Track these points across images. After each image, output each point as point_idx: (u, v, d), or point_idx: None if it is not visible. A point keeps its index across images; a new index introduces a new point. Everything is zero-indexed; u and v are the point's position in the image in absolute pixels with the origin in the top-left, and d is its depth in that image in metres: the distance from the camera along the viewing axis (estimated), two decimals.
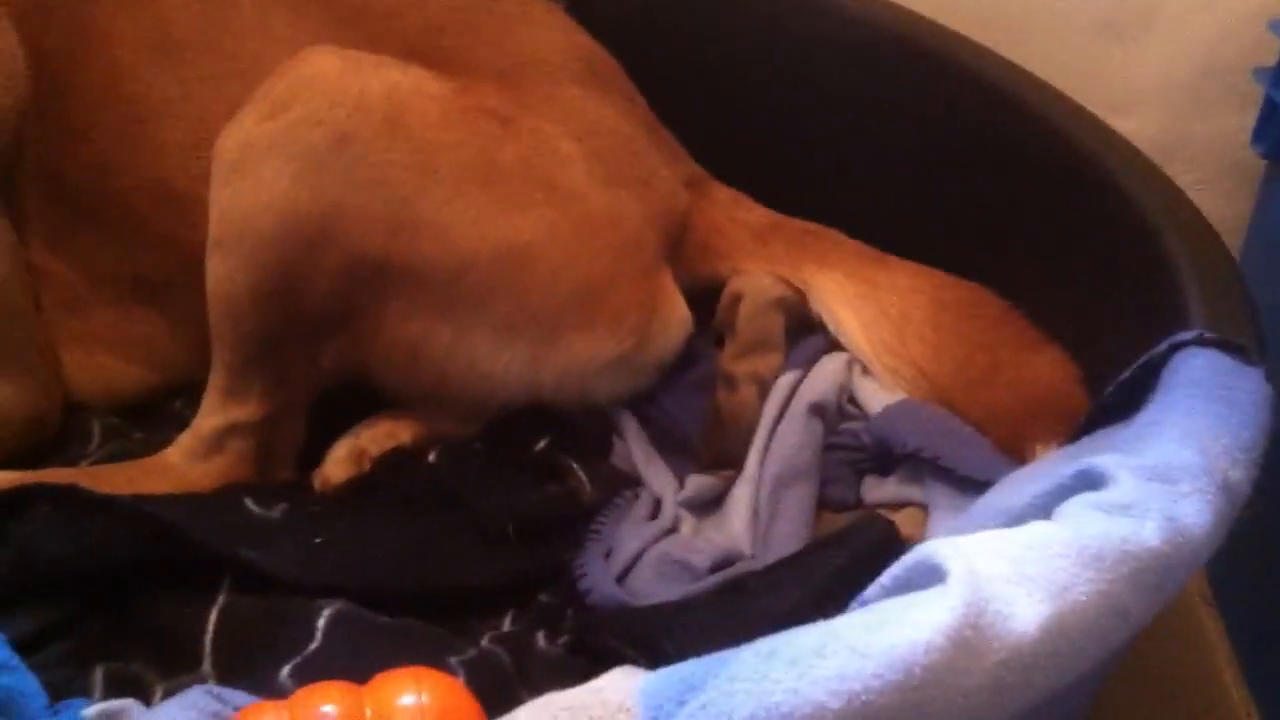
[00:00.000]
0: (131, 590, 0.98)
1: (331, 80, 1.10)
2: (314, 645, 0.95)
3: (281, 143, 1.08)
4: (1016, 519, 0.73)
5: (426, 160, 1.11)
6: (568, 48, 1.32)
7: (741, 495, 1.14)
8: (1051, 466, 0.80)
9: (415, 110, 1.12)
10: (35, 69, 1.22)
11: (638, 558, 1.09)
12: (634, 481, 1.20)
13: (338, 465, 1.18)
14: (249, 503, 1.06)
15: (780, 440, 1.18)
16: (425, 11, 1.27)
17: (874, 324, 1.22)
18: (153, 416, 1.29)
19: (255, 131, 1.10)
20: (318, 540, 1.02)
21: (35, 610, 0.94)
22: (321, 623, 0.96)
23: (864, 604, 0.65)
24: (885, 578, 0.66)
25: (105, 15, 1.24)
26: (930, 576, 0.63)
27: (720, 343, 1.30)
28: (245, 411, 1.15)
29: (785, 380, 1.23)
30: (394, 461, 1.19)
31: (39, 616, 0.94)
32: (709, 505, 1.17)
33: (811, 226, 1.34)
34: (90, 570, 0.96)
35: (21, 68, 1.22)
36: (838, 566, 0.91)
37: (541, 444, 1.21)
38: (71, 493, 0.98)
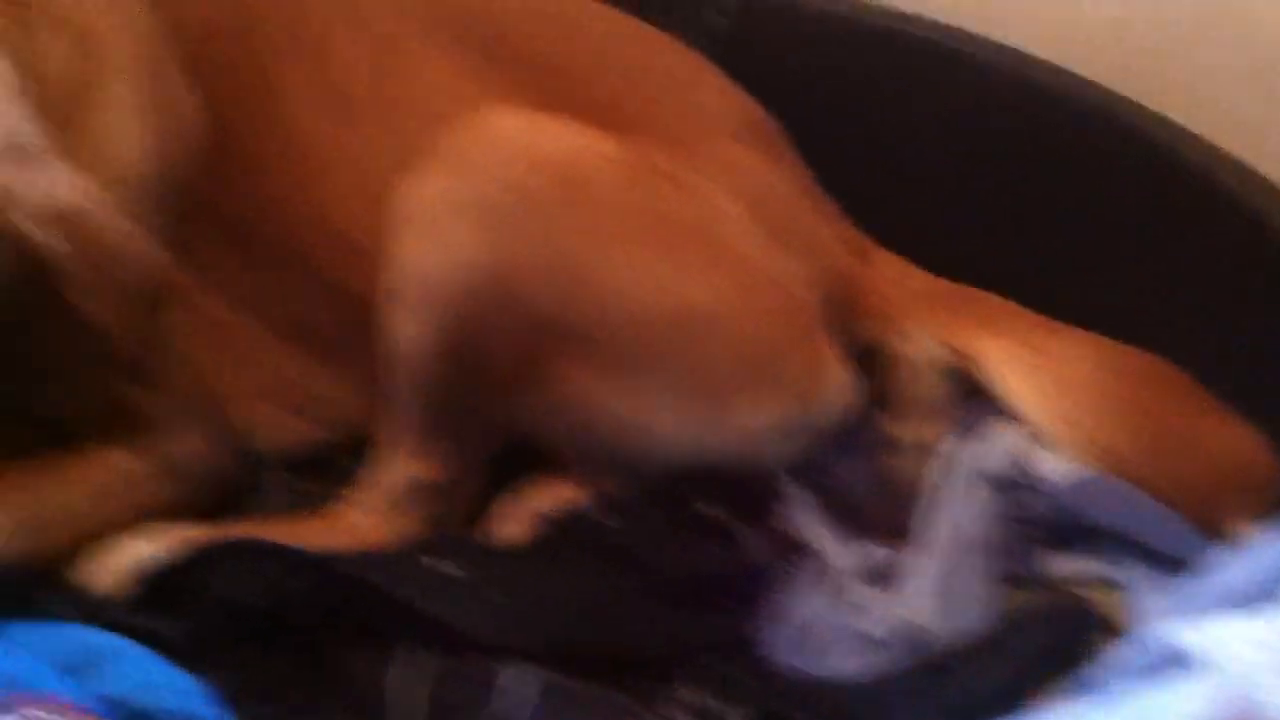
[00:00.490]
0: (321, 644, 0.99)
1: (511, 140, 1.12)
2: (498, 705, 0.96)
3: (463, 201, 1.10)
4: (1244, 601, 0.72)
5: (602, 222, 1.12)
6: (730, 108, 1.33)
7: (917, 566, 1.13)
8: (1272, 545, 0.78)
9: (592, 172, 1.13)
10: (208, 118, 1.26)
11: (812, 626, 1.09)
12: (800, 546, 1.20)
13: (508, 523, 1.19)
14: (427, 560, 1.07)
15: (952, 510, 1.17)
16: (591, 70, 1.29)
17: (1049, 393, 1.21)
18: (320, 470, 1.31)
19: (436, 189, 1.12)
20: (499, 599, 1.03)
21: (236, 664, 0.96)
22: (507, 683, 0.97)
23: (1104, 692, 0.64)
24: (1123, 663, 0.65)
25: (277, 66, 1.27)
26: (1179, 664, 0.62)
27: (883, 408, 1.29)
28: (424, 469, 1.16)
29: (953, 448, 1.22)
30: (563, 520, 1.20)
31: (239, 671, 0.96)
32: (879, 574, 1.16)
33: (976, 292, 1.33)
34: (284, 624, 0.98)
35: (194, 117, 1.26)
36: (1040, 647, 0.90)
37: (704, 505, 1.21)
38: (265, 547, 1.00)
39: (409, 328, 1.12)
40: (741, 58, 1.45)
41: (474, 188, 1.11)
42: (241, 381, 1.27)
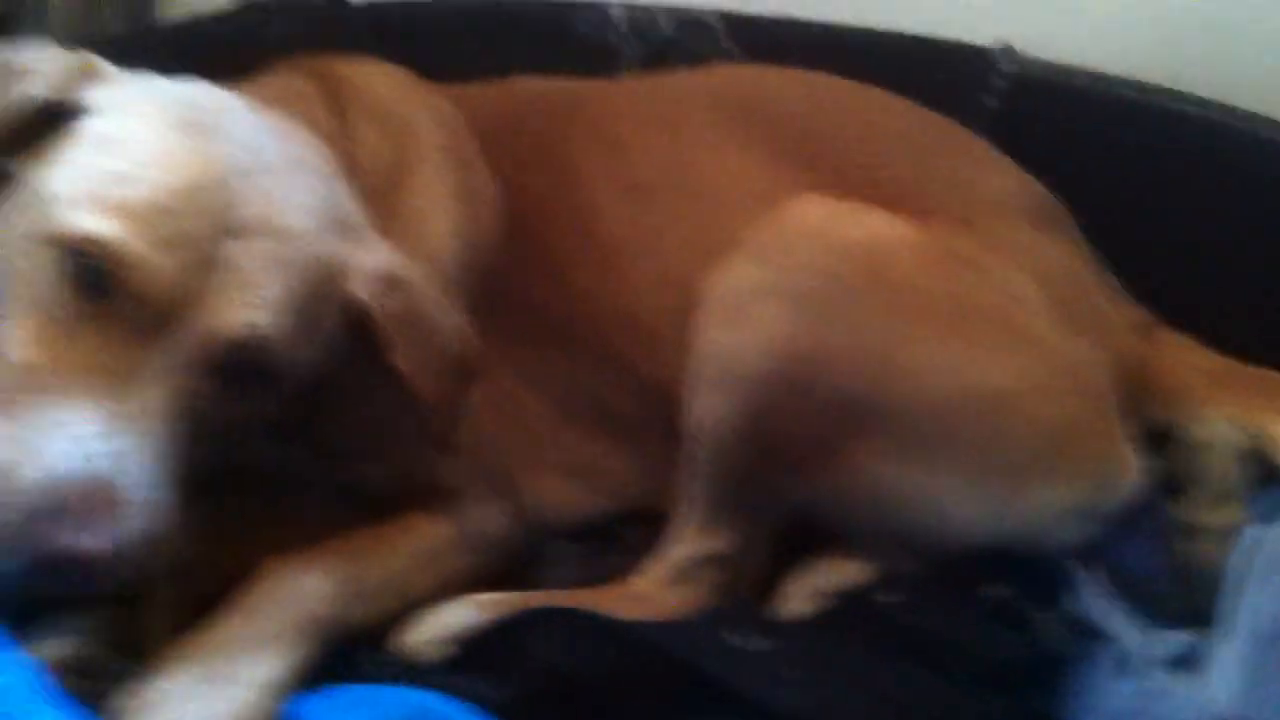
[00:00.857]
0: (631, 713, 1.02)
1: (817, 228, 1.16)
2: None
3: (773, 288, 1.14)
4: None
5: (907, 305, 1.14)
6: (1016, 189, 1.34)
7: (1222, 653, 1.10)
8: None
9: (895, 257, 1.16)
10: (508, 207, 1.32)
11: (1119, 714, 1.06)
12: (1095, 631, 1.17)
13: (796, 600, 1.21)
14: (727, 633, 1.09)
15: (1257, 596, 1.13)
16: (878, 153, 1.32)
17: None
18: (603, 541, 1.35)
19: (746, 277, 1.16)
20: (801, 676, 1.04)
21: None
22: None
23: None
24: None
25: (577, 156, 1.35)
26: None
27: (1176, 491, 1.26)
28: (717, 543, 1.19)
29: (1253, 533, 1.19)
30: (850, 599, 1.20)
31: None
32: (1182, 661, 1.13)
33: (1269, 373, 1.29)
34: (599, 692, 1.01)
35: (495, 205, 1.33)
36: None
37: (994, 588, 1.20)
38: (578, 615, 1.04)
39: (713, 408, 1.15)
40: (1014, 136, 1.45)
41: (782, 274, 1.14)
42: (531, 455, 1.31)
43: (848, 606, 1.20)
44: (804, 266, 1.14)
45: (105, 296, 0.91)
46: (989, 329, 1.16)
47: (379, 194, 1.18)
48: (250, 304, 0.93)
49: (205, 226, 0.93)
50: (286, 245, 0.96)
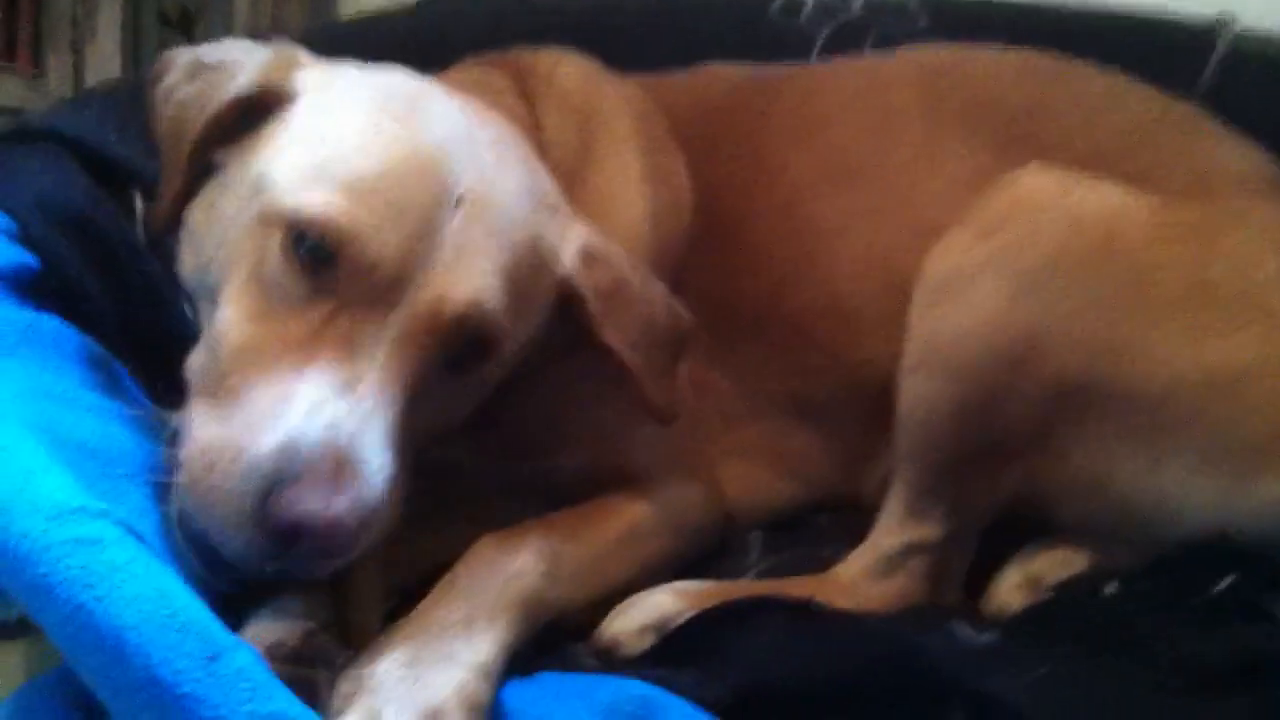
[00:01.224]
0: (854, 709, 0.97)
1: (1044, 201, 1.10)
2: None
3: (994, 264, 1.09)
4: None
5: (1138, 280, 1.08)
6: (1254, 165, 1.27)
7: None
8: None
9: (1127, 230, 1.09)
10: (701, 198, 1.29)
11: None
12: None
13: (1013, 592, 1.15)
14: (957, 627, 1.04)
15: None
16: (1097, 132, 1.25)
17: None
18: (798, 531, 1.31)
19: (966, 254, 1.10)
20: (1042, 672, 0.98)
21: None
22: None
23: None
24: None
25: (774, 139, 1.30)
26: None
27: None
28: (925, 531, 1.14)
29: None
30: (1071, 590, 1.14)
31: None
32: None
33: None
34: (826, 692, 0.96)
35: (687, 191, 1.30)
36: None
37: (1226, 581, 1.13)
38: (805, 609, 0.99)
39: (927, 389, 1.11)
40: (1229, 111, 1.37)
41: (1006, 249, 1.09)
42: (724, 441, 1.28)
43: (1066, 599, 1.13)
44: (1030, 241, 1.08)
45: (329, 273, 0.90)
46: (1225, 303, 1.09)
47: (566, 180, 1.17)
48: (474, 276, 0.93)
49: (429, 198, 0.93)
50: (502, 219, 0.96)
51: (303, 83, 1.02)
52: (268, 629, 0.88)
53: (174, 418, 0.93)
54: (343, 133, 0.96)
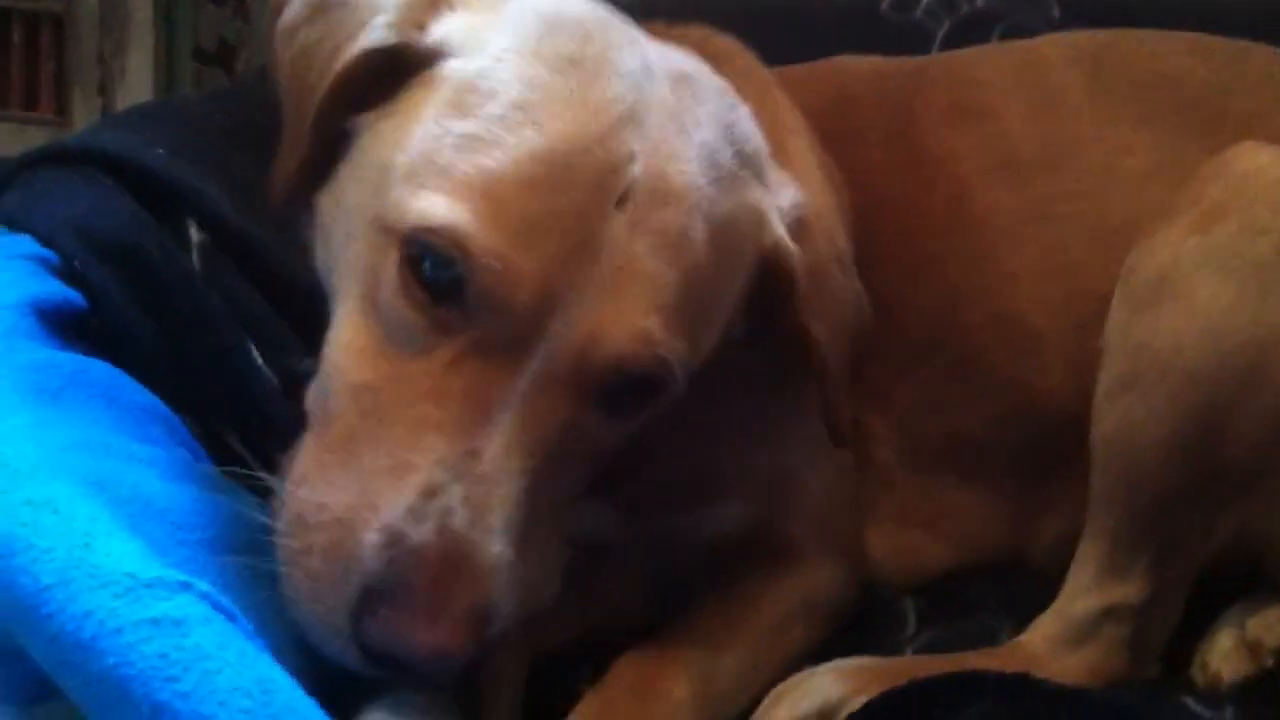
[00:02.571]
0: None
1: (1268, 182, 0.94)
2: None
3: (1216, 259, 0.93)
4: None
5: None
6: None
7: None
8: None
9: None
10: (857, 197, 1.13)
11: None
12: None
13: (1227, 660, 0.98)
14: (1192, 703, 0.87)
15: None
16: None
17: None
18: (954, 599, 1.14)
19: (1183, 247, 0.95)
20: None
21: None
22: None
23: None
24: None
25: (933, 136, 1.15)
26: None
27: None
28: (1125, 591, 0.97)
29: None
30: None
31: None
32: None
33: None
34: None
35: (847, 197, 1.14)
36: None
37: None
38: (1019, 685, 0.82)
39: (1132, 413, 0.94)
40: None
41: (1230, 240, 0.93)
42: (875, 501, 1.12)
43: None
44: (1255, 229, 0.93)
45: (456, 303, 0.73)
46: None
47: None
48: (641, 303, 0.75)
49: (583, 200, 0.74)
50: (687, 209, 0.78)
51: (452, 29, 0.82)
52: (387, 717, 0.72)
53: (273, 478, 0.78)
54: (492, 103, 0.76)
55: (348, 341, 0.78)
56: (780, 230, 0.86)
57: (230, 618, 0.64)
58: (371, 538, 0.70)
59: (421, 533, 0.70)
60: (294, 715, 0.60)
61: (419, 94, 0.80)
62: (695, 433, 0.91)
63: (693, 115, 0.82)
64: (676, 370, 0.77)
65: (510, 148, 0.74)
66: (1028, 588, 1.07)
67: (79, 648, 0.60)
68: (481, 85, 0.78)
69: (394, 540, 0.69)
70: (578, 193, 0.74)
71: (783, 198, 0.88)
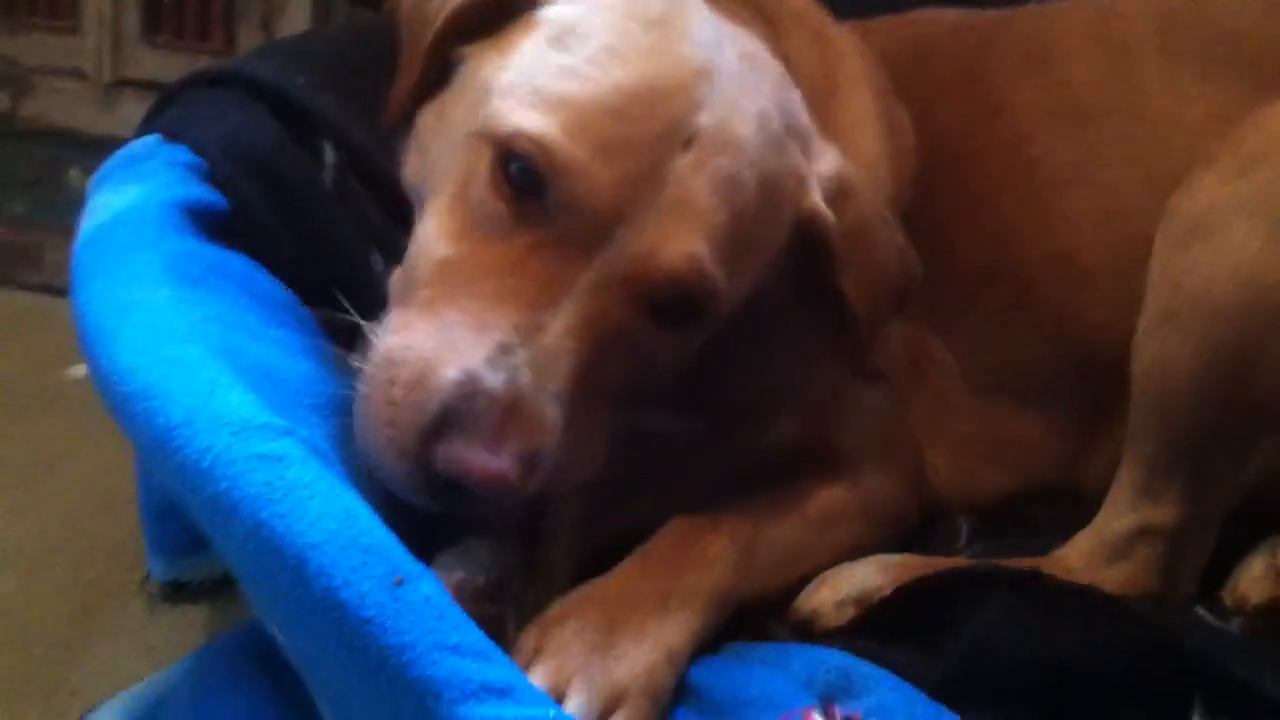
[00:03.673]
0: (1092, 700, 0.87)
1: None
2: None
3: (1252, 203, 0.98)
4: None
5: None
6: None
7: None
8: None
9: None
10: (925, 142, 1.20)
11: None
12: None
13: (1256, 584, 1.04)
14: (1202, 612, 0.93)
15: None
16: None
17: None
18: (1010, 522, 1.21)
19: (1220, 191, 1.00)
20: None
21: (993, 709, 0.86)
22: None
23: None
24: None
25: (1000, 80, 1.21)
26: None
27: None
28: (1159, 514, 1.03)
29: None
30: None
31: (998, 717, 0.85)
32: None
33: None
34: (1054, 670, 0.87)
35: (913, 142, 1.21)
36: None
37: None
38: (1035, 580, 0.90)
39: (1168, 346, 1.00)
40: None
41: (1264, 189, 0.98)
42: (933, 425, 1.19)
43: None
44: None
45: (538, 203, 0.84)
46: None
47: (812, 106, 1.08)
48: (695, 231, 0.85)
49: (656, 135, 0.85)
50: (742, 160, 0.88)
51: None
52: (458, 562, 0.83)
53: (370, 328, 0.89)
54: (585, 43, 0.88)
55: (437, 226, 0.89)
56: (817, 197, 0.95)
57: (326, 461, 0.76)
58: (452, 374, 0.79)
59: (494, 380, 0.80)
60: (371, 538, 0.71)
61: (521, 32, 0.92)
62: (751, 359, 1.00)
63: (755, 85, 0.92)
64: (718, 296, 0.87)
65: (597, 80, 0.85)
66: (1078, 511, 1.12)
67: (199, 474, 0.73)
68: (578, 28, 0.89)
69: (471, 381, 0.79)
70: (652, 128, 0.84)
71: (824, 165, 0.96)
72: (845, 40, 1.19)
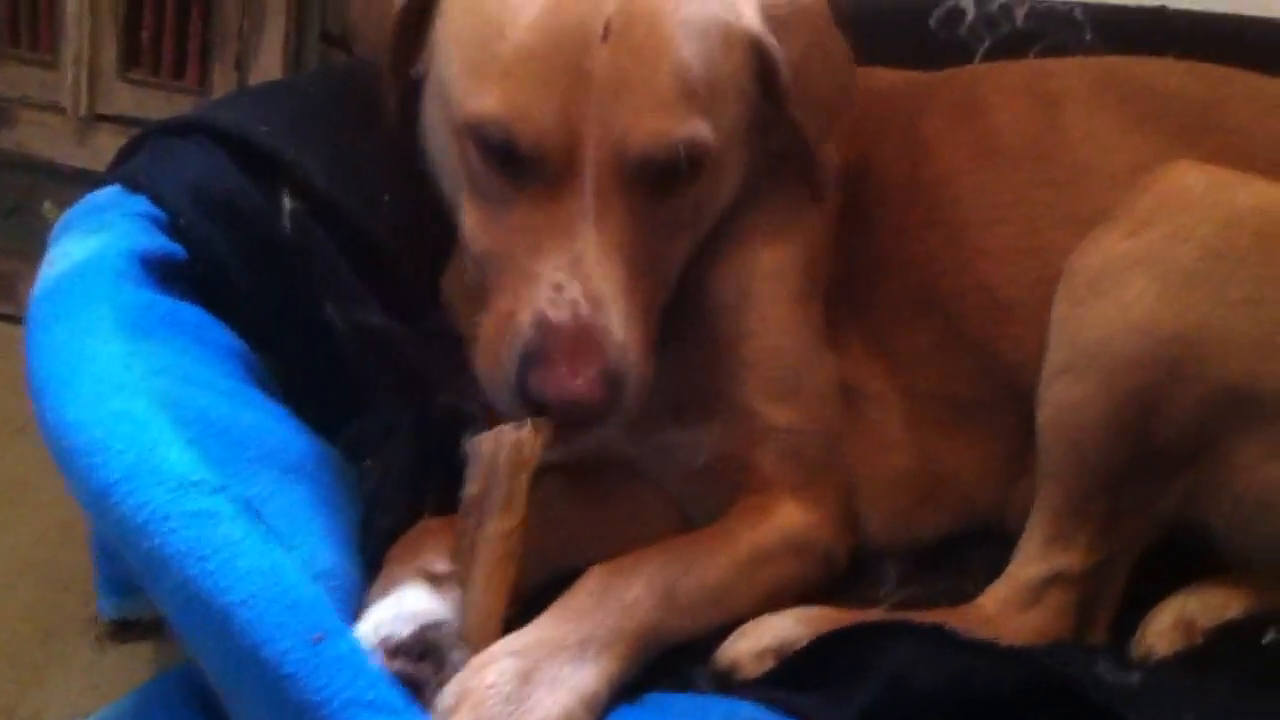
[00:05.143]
0: None
1: (1197, 195, 1.04)
2: None
3: (1146, 260, 1.02)
4: None
5: None
6: None
7: None
8: None
9: None
10: (862, 179, 1.25)
11: None
12: None
13: (1163, 636, 1.07)
14: (1103, 664, 0.97)
15: None
16: (1270, 129, 1.17)
17: None
18: (939, 563, 1.24)
19: (1117, 249, 1.04)
20: (1190, 716, 0.91)
21: None
22: None
23: None
24: None
25: (936, 128, 1.25)
26: None
27: None
28: (1070, 559, 1.06)
29: None
30: (1227, 636, 1.06)
31: None
32: None
33: None
34: (962, 715, 0.91)
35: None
36: None
37: None
38: (938, 633, 0.94)
39: (1072, 395, 1.04)
40: None
41: (1157, 245, 1.02)
42: (873, 462, 1.21)
43: (1224, 645, 1.05)
44: (1183, 236, 1.02)
45: (523, 163, 0.95)
46: None
47: None
48: (645, 105, 0.95)
49: (574, 46, 0.94)
50: (661, 19, 0.96)
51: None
52: (386, 619, 0.87)
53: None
54: (486, 11, 0.98)
55: (469, 224, 1.02)
56: (759, 28, 1.04)
57: (256, 516, 0.81)
58: (526, 318, 0.93)
59: (558, 315, 0.93)
60: (294, 595, 0.75)
61: (441, 24, 1.04)
62: (678, 352, 1.06)
63: None
64: (700, 142, 0.97)
65: (507, 35, 0.95)
66: (1009, 552, 1.13)
67: (135, 530, 0.77)
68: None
69: (540, 320, 0.93)
70: (568, 43, 0.94)
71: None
72: None
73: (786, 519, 1.11)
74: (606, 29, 0.94)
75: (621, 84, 0.94)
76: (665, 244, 1.03)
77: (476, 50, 0.98)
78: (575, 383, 0.92)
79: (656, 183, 0.98)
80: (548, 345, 0.92)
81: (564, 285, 0.94)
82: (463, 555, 0.92)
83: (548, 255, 0.94)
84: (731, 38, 1.02)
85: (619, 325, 0.94)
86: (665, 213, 1.00)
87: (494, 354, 0.96)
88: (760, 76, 1.06)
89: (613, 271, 0.95)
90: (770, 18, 1.05)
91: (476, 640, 0.90)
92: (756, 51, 1.04)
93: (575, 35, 0.94)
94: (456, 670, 0.86)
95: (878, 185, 1.23)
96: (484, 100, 0.95)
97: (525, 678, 0.86)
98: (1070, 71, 1.27)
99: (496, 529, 0.91)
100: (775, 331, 1.14)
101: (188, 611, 0.75)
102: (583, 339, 0.93)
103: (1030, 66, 1.35)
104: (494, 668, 0.86)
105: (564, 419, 0.93)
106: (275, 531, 0.82)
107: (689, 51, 0.97)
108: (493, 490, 0.91)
